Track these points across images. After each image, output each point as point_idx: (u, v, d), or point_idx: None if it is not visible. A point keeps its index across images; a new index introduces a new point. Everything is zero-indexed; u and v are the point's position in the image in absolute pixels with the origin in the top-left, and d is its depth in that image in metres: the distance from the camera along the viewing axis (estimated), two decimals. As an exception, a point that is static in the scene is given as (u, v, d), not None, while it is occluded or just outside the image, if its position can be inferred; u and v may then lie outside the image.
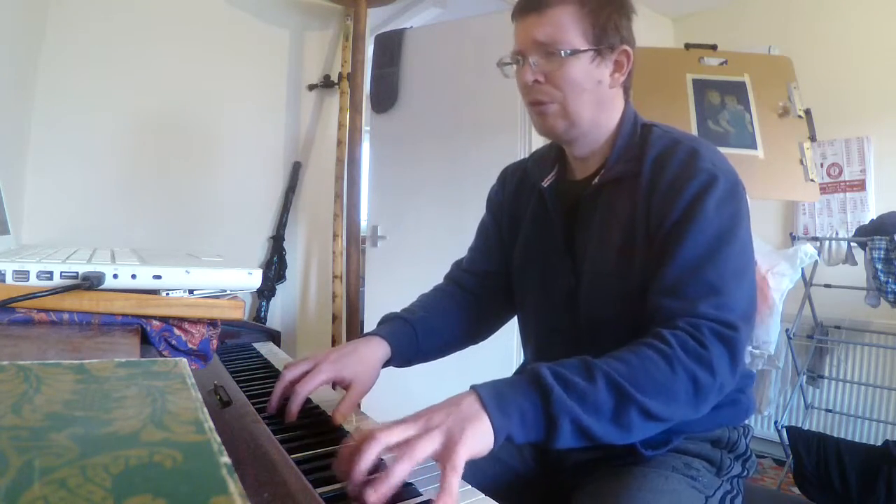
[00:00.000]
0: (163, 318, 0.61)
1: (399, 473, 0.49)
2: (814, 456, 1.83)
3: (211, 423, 0.29)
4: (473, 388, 0.59)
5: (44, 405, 0.29)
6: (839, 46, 2.56)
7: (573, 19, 0.77)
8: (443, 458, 0.52)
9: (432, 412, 0.56)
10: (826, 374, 2.45)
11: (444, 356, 0.95)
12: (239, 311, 0.65)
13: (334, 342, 2.20)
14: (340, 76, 2.27)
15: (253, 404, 0.70)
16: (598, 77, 0.79)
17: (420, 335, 0.88)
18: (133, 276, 0.59)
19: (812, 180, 2.10)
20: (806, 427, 2.35)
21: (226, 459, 0.25)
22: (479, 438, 0.54)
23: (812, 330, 2.37)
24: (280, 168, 2.23)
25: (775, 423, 2.31)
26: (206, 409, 0.30)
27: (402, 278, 2.41)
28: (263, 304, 2.14)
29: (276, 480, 0.48)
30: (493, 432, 0.55)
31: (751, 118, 2.19)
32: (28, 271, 0.56)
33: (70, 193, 1.75)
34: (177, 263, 0.64)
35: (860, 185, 2.50)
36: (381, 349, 0.82)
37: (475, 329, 0.98)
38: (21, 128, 1.64)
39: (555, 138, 0.85)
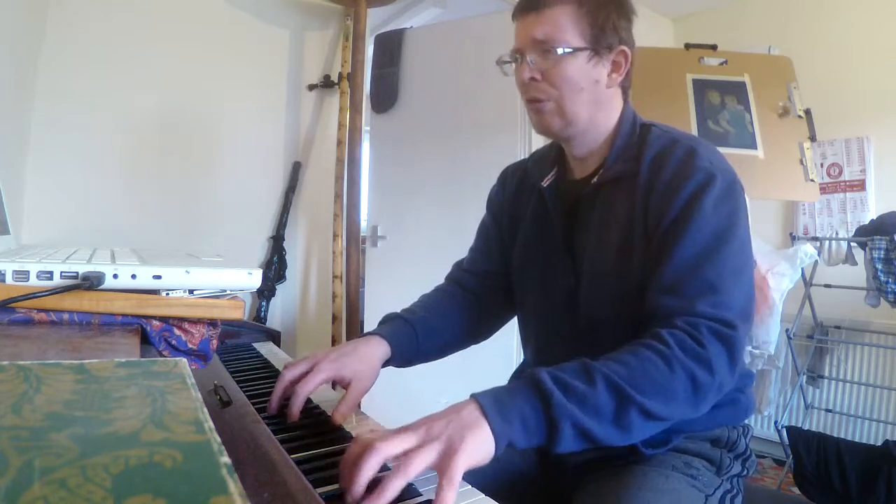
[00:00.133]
0: (163, 318, 0.61)
1: (393, 489, 0.49)
2: (814, 456, 1.83)
3: (211, 423, 0.29)
4: (474, 396, 0.59)
5: (44, 405, 0.29)
6: (839, 46, 2.56)
7: (571, 19, 0.77)
8: (440, 469, 0.52)
9: (433, 421, 0.56)
10: (826, 374, 2.45)
11: (444, 356, 0.95)
12: (239, 311, 0.65)
13: (334, 342, 2.20)
14: (340, 76, 2.27)
15: (253, 404, 0.70)
16: (595, 76, 0.80)
17: (420, 335, 0.88)
18: (133, 276, 0.59)
19: (812, 180, 2.10)
20: (806, 427, 2.35)
21: (226, 459, 0.25)
22: (479, 447, 0.54)
23: (812, 330, 2.37)
24: (280, 168, 2.23)
25: (775, 423, 2.31)
26: (206, 409, 0.30)
27: (402, 278, 2.41)
28: (263, 304, 2.14)
29: (276, 480, 0.48)
30: (493, 439, 0.55)
31: (751, 118, 2.19)
32: (28, 271, 0.56)
33: (70, 193, 1.75)
34: (177, 263, 0.64)
35: (860, 185, 2.50)
36: (380, 349, 0.82)
37: (476, 329, 0.98)
38: (21, 128, 1.64)
39: (551, 136, 0.85)
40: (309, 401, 0.75)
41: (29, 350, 0.47)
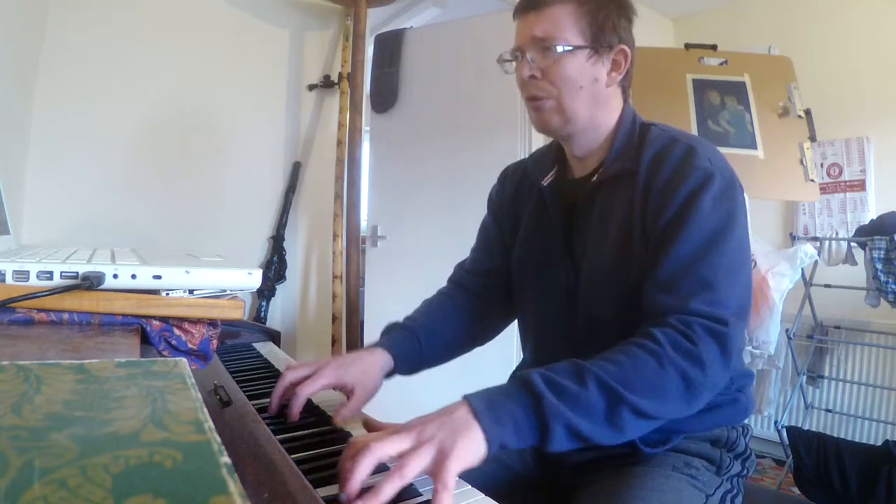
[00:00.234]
0: (163, 318, 0.61)
1: (388, 492, 0.49)
2: (814, 456, 1.83)
3: (211, 423, 0.29)
4: (465, 397, 0.59)
5: (44, 405, 0.29)
6: (839, 46, 2.56)
7: (571, 18, 0.78)
8: (434, 474, 0.52)
9: (425, 423, 0.56)
10: (826, 374, 2.45)
11: (449, 360, 0.95)
12: (239, 311, 0.65)
13: (334, 342, 2.20)
14: (340, 76, 2.27)
15: (253, 404, 0.70)
16: (595, 75, 0.80)
17: (423, 342, 0.88)
18: (133, 276, 0.59)
19: (812, 180, 2.10)
20: (806, 427, 2.35)
21: (226, 459, 0.25)
22: (471, 450, 0.55)
23: (812, 330, 2.38)
24: (280, 168, 2.23)
25: (775, 423, 2.32)
26: (206, 409, 0.30)
27: (402, 278, 2.41)
28: (263, 304, 2.14)
29: (276, 480, 0.48)
30: (485, 441, 0.56)
31: (751, 118, 2.19)
32: (28, 271, 0.56)
33: (70, 193, 1.75)
34: (177, 263, 0.64)
35: (860, 185, 2.50)
36: (382, 359, 0.82)
37: (479, 331, 0.98)
38: (21, 128, 1.64)
39: (551, 134, 0.86)
40: (309, 401, 0.75)
41: (29, 350, 0.47)
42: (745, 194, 0.78)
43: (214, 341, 0.65)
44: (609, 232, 0.79)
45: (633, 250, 0.76)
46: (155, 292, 0.60)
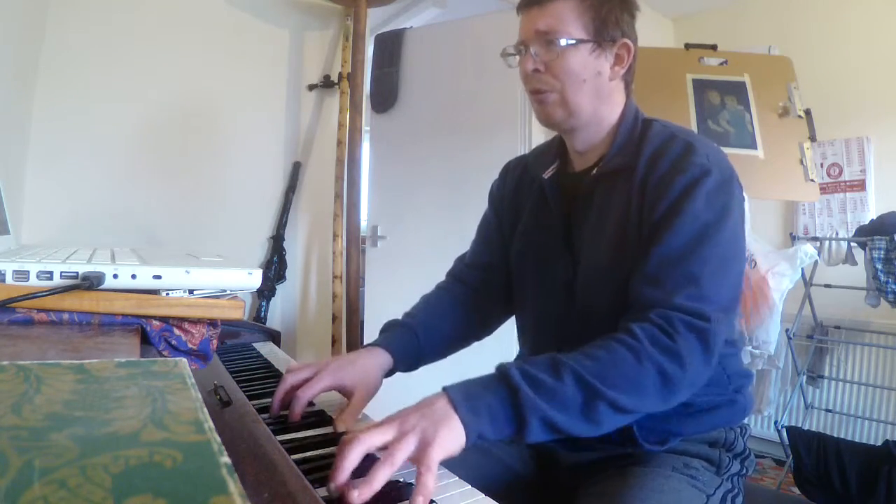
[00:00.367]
0: (163, 318, 0.61)
1: (381, 478, 0.51)
2: (814, 456, 1.83)
3: (211, 423, 0.29)
4: (444, 389, 0.61)
5: (44, 405, 0.29)
6: (839, 46, 2.56)
7: (574, 12, 0.78)
8: (418, 460, 0.54)
9: (407, 415, 0.58)
10: (826, 374, 2.45)
11: (448, 355, 0.95)
12: (239, 311, 0.65)
13: (334, 342, 2.20)
14: (340, 76, 2.27)
15: (253, 404, 0.70)
16: (598, 68, 0.80)
17: (422, 338, 0.88)
18: (133, 276, 0.59)
19: (812, 180, 2.10)
20: (806, 427, 2.35)
21: (226, 459, 0.25)
22: (452, 439, 0.57)
23: (812, 330, 2.38)
24: (280, 168, 2.23)
25: (775, 423, 2.32)
26: (206, 409, 0.30)
27: (402, 278, 2.41)
28: (263, 304, 2.14)
29: (276, 480, 0.48)
30: (464, 431, 0.58)
31: (751, 118, 2.19)
32: (28, 271, 0.56)
33: (70, 193, 1.75)
34: (177, 263, 0.63)
35: (860, 185, 2.50)
36: (381, 359, 0.82)
37: (478, 325, 0.99)
38: (21, 128, 1.64)
39: (554, 127, 0.86)
40: (310, 403, 0.75)
41: (29, 350, 0.47)
42: (744, 193, 0.78)
43: (214, 341, 0.65)
44: (607, 226, 0.79)
45: (629, 245, 0.76)
46: (155, 292, 0.60)
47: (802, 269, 2.20)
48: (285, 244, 2.20)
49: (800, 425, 2.29)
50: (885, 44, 2.44)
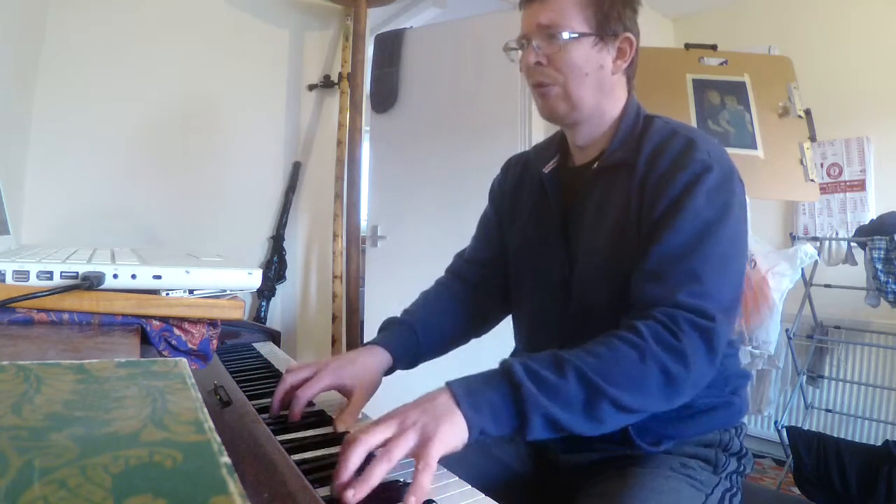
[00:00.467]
0: (163, 318, 0.61)
1: (377, 474, 0.51)
2: (814, 456, 1.83)
3: (211, 423, 0.29)
4: (447, 384, 0.61)
5: (44, 405, 0.29)
6: (839, 46, 2.56)
7: (576, 6, 0.78)
8: (417, 456, 0.54)
9: (408, 410, 0.58)
10: (826, 374, 2.45)
11: (448, 352, 0.95)
12: (239, 311, 0.65)
13: (334, 342, 2.20)
14: (340, 76, 2.27)
15: (253, 404, 0.70)
16: (600, 62, 0.80)
17: (421, 336, 0.88)
18: (133, 276, 0.59)
19: (812, 180, 2.10)
20: (806, 427, 2.35)
21: (226, 459, 0.25)
22: (454, 434, 0.56)
23: (812, 330, 2.37)
24: (280, 168, 2.23)
25: (775, 423, 2.31)
26: (206, 409, 0.30)
27: (402, 278, 2.41)
28: (263, 304, 2.14)
29: (276, 480, 0.48)
30: (466, 427, 0.57)
31: (751, 118, 2.19)
32: (28, 271, 0.56)
33: (70, 193, 1.75)
34: (177, 263, 0.63)
35: (860, 185, 2.50)
36: (381, 357, 0.82)
37: (477, 322, 0.99)
38: (21, 128, 1.64)
39: (556, 121, 0.85)
40: (310, 403, 0.75)
41: (29, 350, 0.47)
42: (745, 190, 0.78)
43: (214, 341, 0.65)
44: (605, 222, 0.79)
45: (628, 241, 0.76)
46: (155, 292, 0.60)
47: (802, 269, 2.20)
48: (285, 244, 2.21)
49: (800, 425, 2.29)
50: (885, 44, 2.44)
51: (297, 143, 2.27)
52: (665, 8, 3.07)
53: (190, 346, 0.61)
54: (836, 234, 2.44)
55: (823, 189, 2.52)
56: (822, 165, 2.57)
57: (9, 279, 0.55)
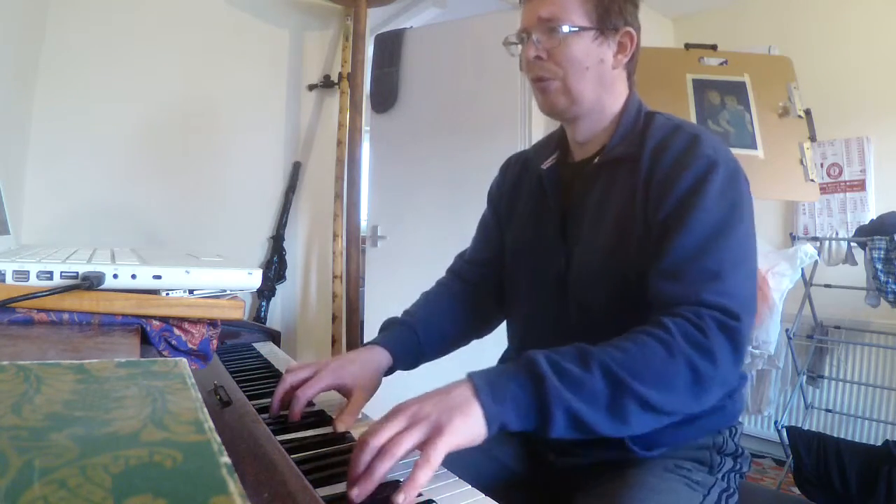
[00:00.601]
0: (163, 318, 0.60)
1: (379, 471, 0.50)
2: (814, 456, 1.83)
3: (211, 423, 0.29)
4: (469, 375, 0.59)
5: (44, 405, 0.29)
6: (839, 46, 2.56)
7: (577, 0, 0.78)
8: (422, 449, 0.52)
9: (423, 401, 0.56)
10: (826, 374, 2.45)
11: (448, 353, 0.94)
12: (239, 311, 0.65)
13: (334, 342, 2.20)
14: (340, 76, 2.27)
15: (253, 404, 0.70)
16: (601, 56, 0.80)
17: (422, 336, 0.88)
18: (133, 276, 0.59)
19: (812, 180, 2.10)
20: (806, 427, 2.35)
21: (226, 459, 0.25)
22: (467, 428, 0.54)
23: (812, 330, 2.37)
24: (280, 168, 2.23)
25: (775, 423, 2.31)
26: (206, 409, 0.30)
27: (402, 278, 2.41)
28: (263, 304, 2.14)
29: (276, 480, 0.48)
30: (485, 420, 0.55)
31: (751, 118, 2.19)
32: (28, 271, 0.56)
33: (70, 193, 1.75)
34: (177, 263, 0.63)
35: (860, 185, 2.50)
36: (381, 357, 0.82)
37: (477, 323, 0.98)
38: (21, 128, 1.64)
39: (557, 116, 0.85)
40: (309, 403, 0.75)
41: (29, 350, 0.47)
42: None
43: (214, 341, 0.65)
44: (606, 218, 0.78)
45: (631, 239, 0.75)
46: (155, 292, 0.60)
47: (802, 269, 2.20)
48: (285, 244, 2.21)
49: (800, 425, 2.29)
50: (885, 44, 2.44)
51: (297, 143, 2.27)
52: (665, 8, 3.07)
53: (190, 346, 0.61)
54: (836, 234, 2.44)
55: (823, 189, 2.52)
56: (822, 165, 2.57)
57: (9, 279, 0.55)
